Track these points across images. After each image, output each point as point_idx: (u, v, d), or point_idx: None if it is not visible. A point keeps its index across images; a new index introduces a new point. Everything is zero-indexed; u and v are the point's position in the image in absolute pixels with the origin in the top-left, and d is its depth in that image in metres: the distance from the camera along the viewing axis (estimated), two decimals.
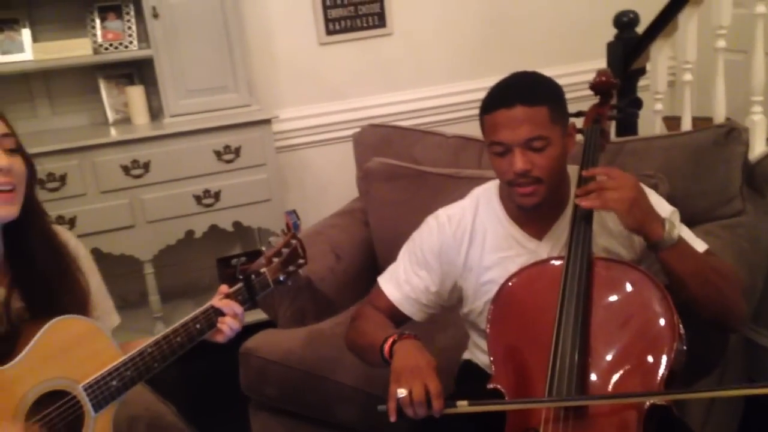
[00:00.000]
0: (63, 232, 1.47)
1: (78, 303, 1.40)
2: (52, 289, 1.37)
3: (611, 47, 2.75)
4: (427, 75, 3.43)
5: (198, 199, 2.87)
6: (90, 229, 2.72)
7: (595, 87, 1.61)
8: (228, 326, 1.45)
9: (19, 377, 1.26)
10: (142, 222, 2.83)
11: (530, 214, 1.49)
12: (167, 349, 1.39)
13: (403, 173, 2.36)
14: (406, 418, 1.30)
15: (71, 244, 1.47)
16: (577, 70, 3.19)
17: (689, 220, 1.56)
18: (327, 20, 3.24)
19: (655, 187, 1.67)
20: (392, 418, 1.30)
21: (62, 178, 2.69)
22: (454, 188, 2.13)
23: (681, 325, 1.30)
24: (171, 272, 3.17)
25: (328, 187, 3.34)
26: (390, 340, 1.43)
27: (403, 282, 1.62)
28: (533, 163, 1.39)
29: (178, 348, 1.40)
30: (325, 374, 1.92)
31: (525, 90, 1.42)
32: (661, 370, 1.27)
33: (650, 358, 1.29)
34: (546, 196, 1.43)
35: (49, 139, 2.78)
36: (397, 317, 1.62)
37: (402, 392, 1.29)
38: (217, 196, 2.89)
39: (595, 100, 1.63)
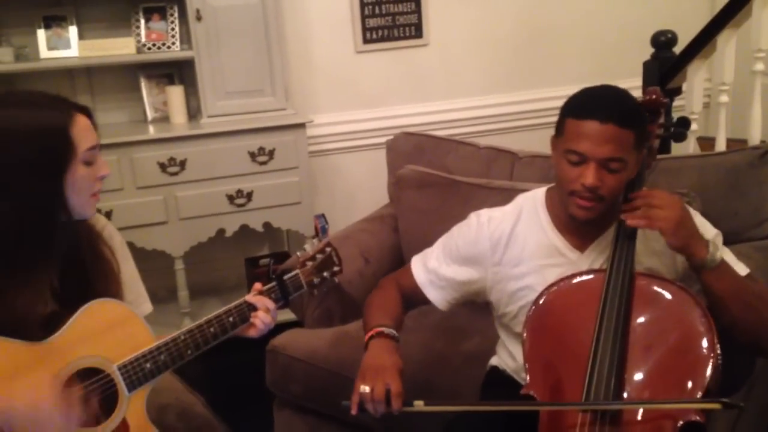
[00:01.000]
0: (99, 218, 1.52)
1: (109, 289, 1.44)
2: (85, 273, 1.41)
3: (647, 66, 2.75)
4: (460, 87, 3.46)
5: (230, 198, 2.92)
6: (125, 224, 2.77)
7: (645, 105, 1.62)
8: (260, 320, 1.48)
9: (56, 352, 1.30)
10: (175, 219, 2.89)
11: (577, 225, 1.50)
12: (200, 338, 1.42)
13: (434, 181, 2.39)
14: (366, 413, 1.39)
15: (107, 232, 1.51)
16: None
17: None
18: (365, 29, 3.29)
19: (688, 205, 1.67)
20: (353, 411, 1.39)
21: None
22: (484, 198, 2.15)
23: (718, 345, 1.30)
24: (200, 269, 3.22)
25: (357, 193, 3.38)
26: (369, 334, 1.50)
27: (431, 268, 1.65)
28: (603, 181, 1.39)
29: (211, 338, 1.44)
30: (349, 375, 1.91)
31: (622, 110, 1.40)
32: (698, 389, 1.27)
33: (688, 378, 1.29)
34: (600, 213, 1.44)
35: None
36: (418, 297, 1.66)
37: (365, 389, 1.38)
38: (249, 196, 2.94)
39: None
